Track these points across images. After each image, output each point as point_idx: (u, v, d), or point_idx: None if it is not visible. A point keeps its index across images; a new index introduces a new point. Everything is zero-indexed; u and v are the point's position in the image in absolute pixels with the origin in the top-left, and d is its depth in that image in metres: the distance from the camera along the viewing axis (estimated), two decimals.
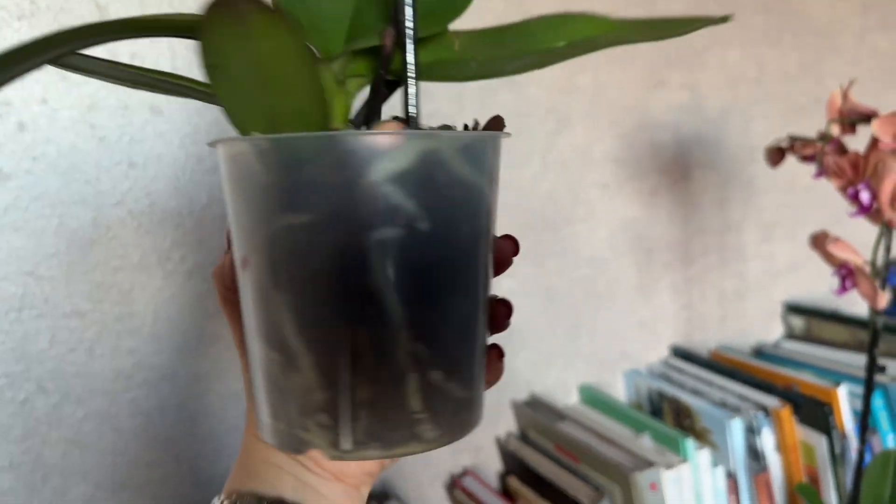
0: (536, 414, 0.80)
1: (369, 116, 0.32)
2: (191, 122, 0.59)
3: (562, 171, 0.82)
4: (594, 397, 0.86)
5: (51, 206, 0.55)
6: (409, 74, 0.31)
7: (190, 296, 0.61)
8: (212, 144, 0.30)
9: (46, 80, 0.54)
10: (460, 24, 0.35)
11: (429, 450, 0.30)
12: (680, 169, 0.93)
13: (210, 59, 0.25)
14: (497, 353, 0.36)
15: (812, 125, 1.06)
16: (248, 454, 0.37)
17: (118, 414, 0.60)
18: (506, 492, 0.79)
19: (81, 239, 0.57)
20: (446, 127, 0.35)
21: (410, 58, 0.31)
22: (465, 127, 0.35)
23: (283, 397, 0.30)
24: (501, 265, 0.35)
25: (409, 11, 0.30)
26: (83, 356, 0.58)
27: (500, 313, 0.35)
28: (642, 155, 0.89)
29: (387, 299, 0.28)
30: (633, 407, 0.90)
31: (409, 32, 0.31)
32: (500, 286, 0.80)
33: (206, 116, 0.59)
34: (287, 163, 0.28)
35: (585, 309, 0.87)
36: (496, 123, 0.34)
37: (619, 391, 0.92)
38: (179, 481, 0.63)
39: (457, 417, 0.31)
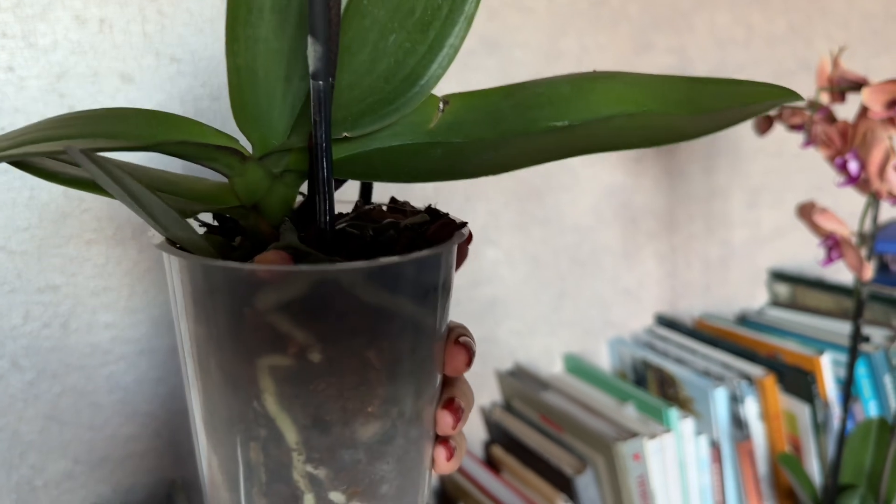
0: (521, 383, 0.80)
1: (306, 214, 0.30)
2: (163, 89, 0.57)
3: None
4: (578, 366, 0.86)
5: (21, 178, 0.54)
6: (321, 184, 0.28)
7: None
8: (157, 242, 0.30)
9: (12, 46, 0.52)
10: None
11: None
12: None
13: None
14: (447, 453, 0.33)
15: (800, 89, 1.05)
16: None
17: (96, 389, 0.59)
18: (490, 461, 0.79)
19: (53, 212, 0.55)
20: (393, 207, 0.32)
21: (325, 166, 0.28)
22: (413, 224, 0.31)
23: (207, 483, 0.30)
24: (454, 373, 0.33)
25: (320, 115, 0.27)
26: (58, 331, 0.57)
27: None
28: None
29: (278, 423, 0.27)
30: (617, 375, 0.90)
31: (322, 140, 0.27)
32: (485, 255, 0.79)
33: (178, 84, 0.57)
34: (188, 275, 0.27)
35: (570, 277, 0.87)
36: (445, 231, 0.30)
37: (604, 359, 0.92)
38: (160, 455, 0.63)
39: None
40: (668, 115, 0.28)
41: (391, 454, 0.29)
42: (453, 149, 0.30)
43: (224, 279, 0.26)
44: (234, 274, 0.26)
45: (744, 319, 1.01)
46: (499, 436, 0.79)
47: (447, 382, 0.33)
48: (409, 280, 0.28)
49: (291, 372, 0.26)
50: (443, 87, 0.32)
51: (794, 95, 0.27)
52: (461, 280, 0.78)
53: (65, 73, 0.54)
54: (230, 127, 0.32)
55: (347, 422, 0.28)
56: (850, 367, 0.66)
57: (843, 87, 0.60)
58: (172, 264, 0.28)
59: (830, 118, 0.61)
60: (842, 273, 1.05)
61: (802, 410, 0.78)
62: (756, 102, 0.27)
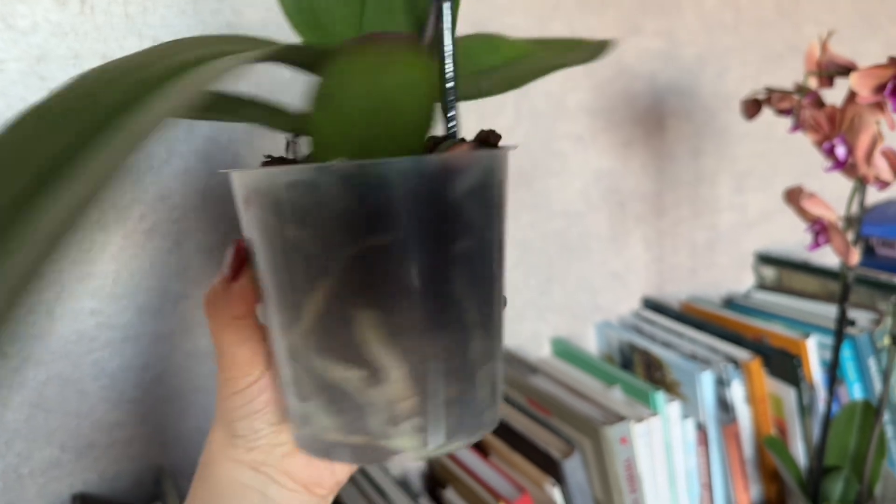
0: (509, 367, 0.80)
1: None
2: None
3: (535, 122, 0.81)
4: (566, 350, 0.86)
5: None
6: (450, 97, 0.33)
7: (151, 254, 0.59)
8: (263, 164, 0.33)
9: None
10: None
11: (486, 433, 0.33)
12: (654, 119, 0.92)
13: (328, 90, 0.26)
14: None
15: (788, 73, 1.05)
16: (210, 473, 0.37)
17: (81, 376, 0.58)
18: (478, 444, 0.80)
19: None
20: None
21: (454, 73, 0.34)
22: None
23: (360, 412, 0.31)
24: None
25: (447, 36, 0.33)
26: (42, 318, 0.56)
27: None
28: (617, 105, 0.88)
29: (465, 304, 0.30)
30: (604, 359, 0.91)
31: (448, 51, 0.33)
32: None
33: None
34: (372, 187, 0.28)
35: (558, 261, 0.87)
36: (494, 137, 0.36)
37: (591, 343, 0.92)
38: (146, 441, 0.62)
39: (500, 397, 0.34)
40: (554, 56, 0.39)
41: (502, 321, 0.34)
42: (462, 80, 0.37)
43: (424, 175, 0.28)
44: (436, 166, 0.29)
45: (730, 303, 1.02)
46: None
47: None
48: (505, 166, 0.33)
49: (475, 251, 0.30)
50: None
51: (610, 44, 0.37)
52: None
53: (45, 55, 0.53)
54: None
55: (497, 289, 0.33)
56: (836, 350, 0.67)
57: (832, 71, 0.60)
58: (344, 178, 0.28)
59: (818, 103, 0.60)
60: (827, 256, 1.06)
61: (788, 393, 0.78)
62: (586, 50, 0.39)
